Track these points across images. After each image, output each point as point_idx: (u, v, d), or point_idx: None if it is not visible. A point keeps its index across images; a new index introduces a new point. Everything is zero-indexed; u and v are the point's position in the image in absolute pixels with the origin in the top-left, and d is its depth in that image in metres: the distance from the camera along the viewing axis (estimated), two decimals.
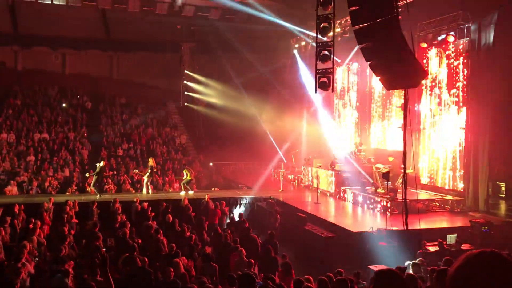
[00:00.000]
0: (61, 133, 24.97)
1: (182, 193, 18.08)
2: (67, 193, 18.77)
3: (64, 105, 28.21)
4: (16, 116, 25.76)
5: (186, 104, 30.46)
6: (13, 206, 13.60)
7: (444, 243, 11.44)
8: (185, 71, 30.43)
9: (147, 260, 8.99)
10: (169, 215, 13.60)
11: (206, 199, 15.88)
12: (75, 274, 8.50)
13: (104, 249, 10.60)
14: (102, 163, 17.68)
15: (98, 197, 16.66)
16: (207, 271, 9.02)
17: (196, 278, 8.48)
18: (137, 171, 20.71)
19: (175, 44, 30.55)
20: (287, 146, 24.08)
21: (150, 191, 18.27)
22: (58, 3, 24.93)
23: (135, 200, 15.48)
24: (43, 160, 22.16)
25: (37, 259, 9.96)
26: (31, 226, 11.67)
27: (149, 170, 18.43)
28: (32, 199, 16.48)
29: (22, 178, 20.01)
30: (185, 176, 18.56)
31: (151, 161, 18.74)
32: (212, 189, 20.67)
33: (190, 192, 18.11)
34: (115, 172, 21.90)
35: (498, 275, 1.69)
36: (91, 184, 17.70)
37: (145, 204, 14.98)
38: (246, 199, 18.00)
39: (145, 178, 18.38)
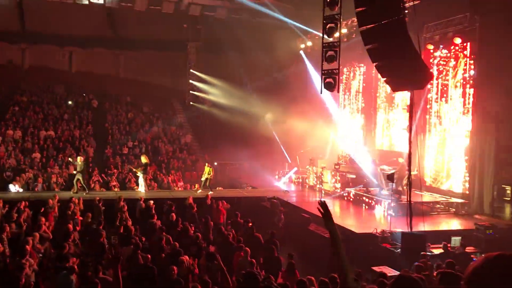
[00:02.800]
0: (67, 130, 25.08)
1: (199, 191, 18.10)
2: (72, 191, 18.81)
3: (70, 102, 28.33)
4: (22, 113, 25.90)
5: (191, 103, 30.49)
6: (18, 202, 13.68)
7: (449, 245, 11.40)
8: (191, 70, 30.45)
9: (150, 257, 9.00)
10: (173, 213, 13.63)
11: (208, 198, 15.91)
12: (79, 272, 8.53)
13: (107, 246, 10.63)
14: (79, 159, 17.53)
15: (85, 193, 16.64)
16: (211, 269, 9.03)
17: (199, 277, 8.49)
18: (131, 167, 20.29)
19: (181, 43, 30.59)
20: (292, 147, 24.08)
21: (147, 188, 18.24)
22: (65, 0, 25.03)
23: (139, 198, 15.51)
24: (48, 157, 22.25)
25: (41, 255, 10.01)
26: (41, 222, 11.73)
27: (143, 167, 18.30)
28: (37, 196, 16.55)
29: (27, 175, 20.09)
30: (206, 174, 18.40)
31: (144, 158, 18.61)
32: (217, 188, 20.68)
33: (210, 192, 17.81)
34: (120, 170, 21.97)
35: None
36: (80, 183, 17.38)
37: (150, 202, 14.98)
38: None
39: (140, 175, 18.26)
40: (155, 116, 28.82)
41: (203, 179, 18.62)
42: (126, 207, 14.55)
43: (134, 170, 19.54)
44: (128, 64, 31.98)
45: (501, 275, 1.70)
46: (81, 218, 13.49)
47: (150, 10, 25.50)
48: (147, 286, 8.28)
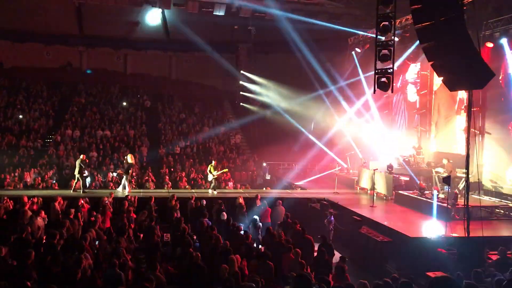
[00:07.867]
0: (122, 130, 25.87)
1: (211, 191, 17.91)
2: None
3: (124, 103, 29.23)
4: (80, 113, 27.00)
5: (241, 104, 30.68)
6: (77, 199, 14.24)
7: (508, 252, 10.84)
8: (241, 72, 30.64)
9: (200, 255, 9.09)
10: (224, 212, 13.74)
11: (257, 199, 15.85)
12: (133, 267, 8.75)
13: (160, 244, 10.85)
14: (82, 156, 17.31)
15: (81, 192, 16.46)
16: (263, 269, 9.01)
17: (250, 277, 8.49)
18: (120, 171, 19.44)
19: (232, 45, 30.89)
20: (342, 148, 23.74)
21: (127, 190, 17.37)
22: (121, 6, 25.86)
23: (191, 197, 15.75)
24: (104, 156, 23.02)
25: (96, 251, 10.33)
26: (92, 219, 12.17)
27: (126, 169, 17.69)
28: (94, 193, 17.15)
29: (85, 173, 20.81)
30: (213, 172, 18.02)
31: (130, 158, 17.77)
32: (264, 188, 20.72)
33: (215, 192, 17.82)
34: (172, 169, 22.43)
35: None
36: (75, 185, 16.93)
37: (203, 201, 15.12)
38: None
39: (124, 176, 17.69)
40: (206, 116, 29.23)
41: (211, 178, 18.09)
42: (178, 206, 14.81)
43: (119, 172, 18.68)
44: (180, 65, 32.69)
45: None
46: (135, 215, 13.85)
47: (202, 12, 25.83)
48: (198, 284, 8.37)
